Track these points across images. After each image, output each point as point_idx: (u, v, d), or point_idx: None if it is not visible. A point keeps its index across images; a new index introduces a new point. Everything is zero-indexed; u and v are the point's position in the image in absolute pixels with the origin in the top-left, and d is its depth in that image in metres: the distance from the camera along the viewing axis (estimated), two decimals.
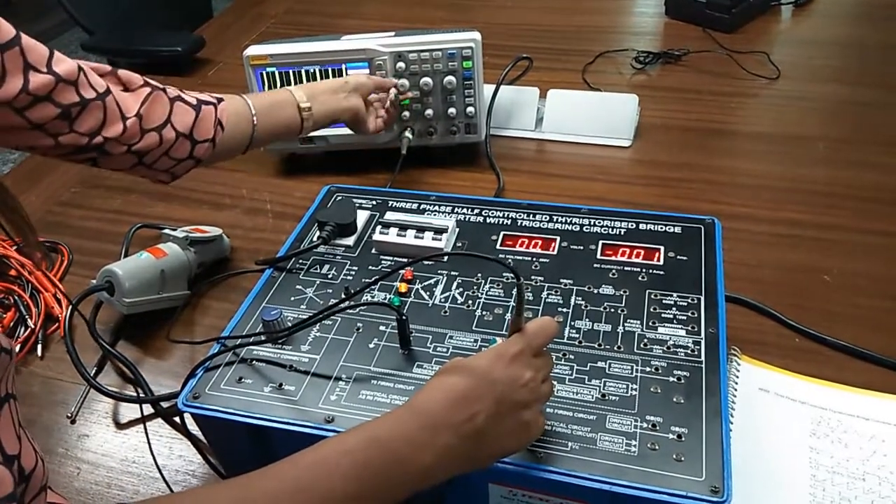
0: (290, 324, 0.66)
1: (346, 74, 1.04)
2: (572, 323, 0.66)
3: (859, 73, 1.25)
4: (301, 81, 1.05)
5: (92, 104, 0.68)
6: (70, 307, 0.80)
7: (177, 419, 0.74)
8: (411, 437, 0.49)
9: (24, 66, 0.62)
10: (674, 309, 0.66)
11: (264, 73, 1.05)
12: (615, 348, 0.63)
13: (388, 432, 0.49)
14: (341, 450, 0.48)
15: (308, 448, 0.49)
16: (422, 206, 0.82)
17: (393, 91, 1.00)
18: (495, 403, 0.50)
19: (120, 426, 0.76)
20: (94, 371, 0.80)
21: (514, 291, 0.65)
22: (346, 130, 1.00)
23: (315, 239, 0.76)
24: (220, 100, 0.81)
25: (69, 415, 0.77)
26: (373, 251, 0.76)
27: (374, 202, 0.83)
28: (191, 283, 0.88)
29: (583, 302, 0.68)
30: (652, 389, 0.59)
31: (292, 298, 0.71)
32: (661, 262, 0.71)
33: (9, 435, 0.46)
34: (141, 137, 0.73)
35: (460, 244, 0.76)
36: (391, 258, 0.75)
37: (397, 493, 0.49)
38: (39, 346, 0.85)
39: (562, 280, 0.70)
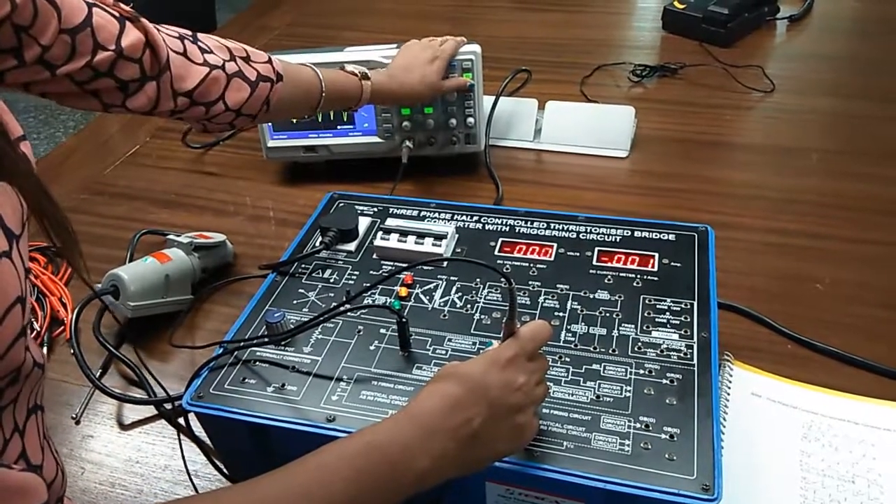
0: (292, 326, 0.68)
1: None
2: (568, 326, 0.67)
3: (853, 87, 1.27)
4: None
5: (148, 84, 0.70)
6: (76, 309, 0.81)
7: (181, 420, 0.75)
8: (408, 443, 0.50)
9: (94, 45, 0.64)
10: (667, 314, 0.68)
11: None
12: (610, 351, 0.64)
13: (386, 438, 0.50)
14: (341, 455, 0.50)
15: (309, 454, 0.50)
16: (422, 213, 0.83)
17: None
18: (489, 408, 0.51)
19: (124, 427, 0.77)
20: (98, 373, 0.82)
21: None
22: (349, 140, 1.02)
23: (317, 244, 0.78)
24: (280, 77, 0.81)
25: (74, 416, 0.78)
26: (374, 256, 0.78)
27: (375, 209, 0.85)
28: (194, 288, 0.90)
29: (579, 306, 0.69)
30: (645, 391, 0.61)
31: (295, 302, 0.73)
32: (656, 269, 0.73)
33: (34, 445, 0.48)
34: (188, 108, 0.74)
35: (459, 250, 0.78)
36: (392, 263, 0.76)
37: (395, 496, 0.50)
38: (45, 349, 0.86)
39: (558, 285, 0.72)
